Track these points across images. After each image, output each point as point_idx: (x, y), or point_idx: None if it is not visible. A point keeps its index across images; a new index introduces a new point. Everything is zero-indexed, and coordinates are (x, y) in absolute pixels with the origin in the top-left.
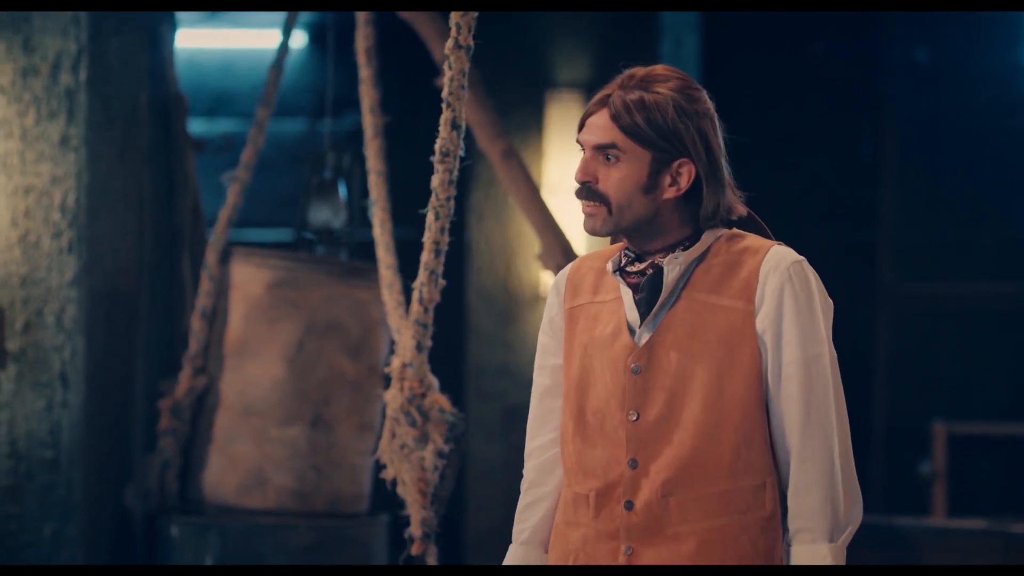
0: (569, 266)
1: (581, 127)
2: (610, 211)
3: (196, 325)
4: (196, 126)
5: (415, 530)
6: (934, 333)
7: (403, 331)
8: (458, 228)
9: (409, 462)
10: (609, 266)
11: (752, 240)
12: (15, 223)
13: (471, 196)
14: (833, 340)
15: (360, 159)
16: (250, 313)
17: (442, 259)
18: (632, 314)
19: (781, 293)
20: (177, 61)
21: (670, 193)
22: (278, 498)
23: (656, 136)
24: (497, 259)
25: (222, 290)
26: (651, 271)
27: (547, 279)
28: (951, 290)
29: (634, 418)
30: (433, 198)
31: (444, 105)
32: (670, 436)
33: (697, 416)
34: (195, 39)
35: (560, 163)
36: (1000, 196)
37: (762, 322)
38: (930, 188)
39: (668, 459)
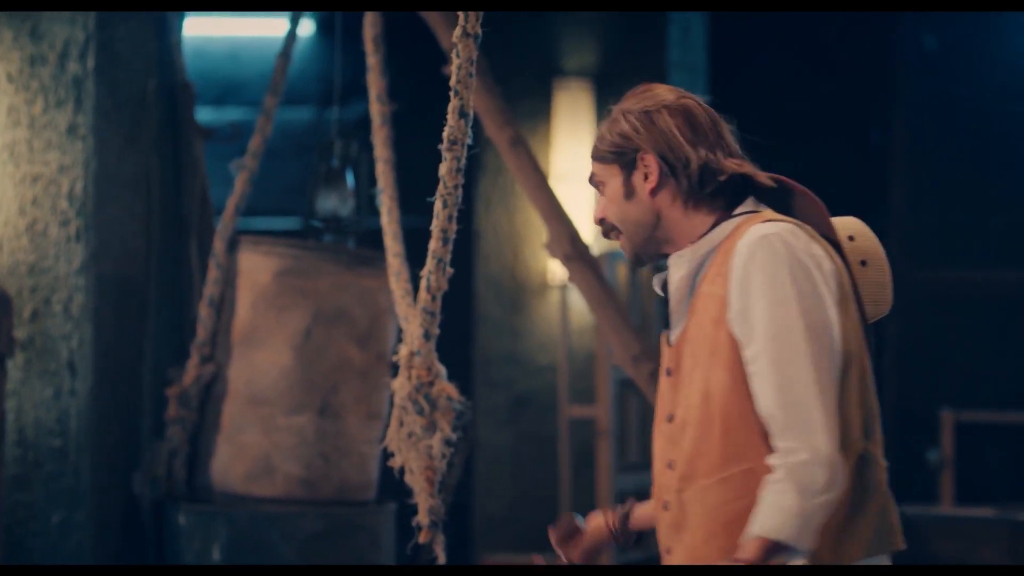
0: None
1: None
2: (621, 233)
3: (204, 313)
4: (204, 114)
5: (423, 518)
6: (943, 320)
7: (411, 319)
8: (466, 216)
9: (417, 450)
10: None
11: (752, 220)
12: (23, 211)
13: (479, 184)
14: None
15: (368, 147)
16: (258, 301)
17: (450, 247)
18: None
19: (746, 270)
20: (185, 49)
21: (649, 186)
22: (286, 486)
23: (613, 149)
24: (505, 247)
25: (230, 278)
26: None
27: (554, 267)
28: (960, 277)
29: (671, 419)
30: (441, 186)
31: (452, 93)
32: (686, 432)
33: (697, 407)
34: (203, 27)
35: (568, 151)
36: (1010, 182)
37: (732, 303)
38: (939, 175)
39: (684, 455)
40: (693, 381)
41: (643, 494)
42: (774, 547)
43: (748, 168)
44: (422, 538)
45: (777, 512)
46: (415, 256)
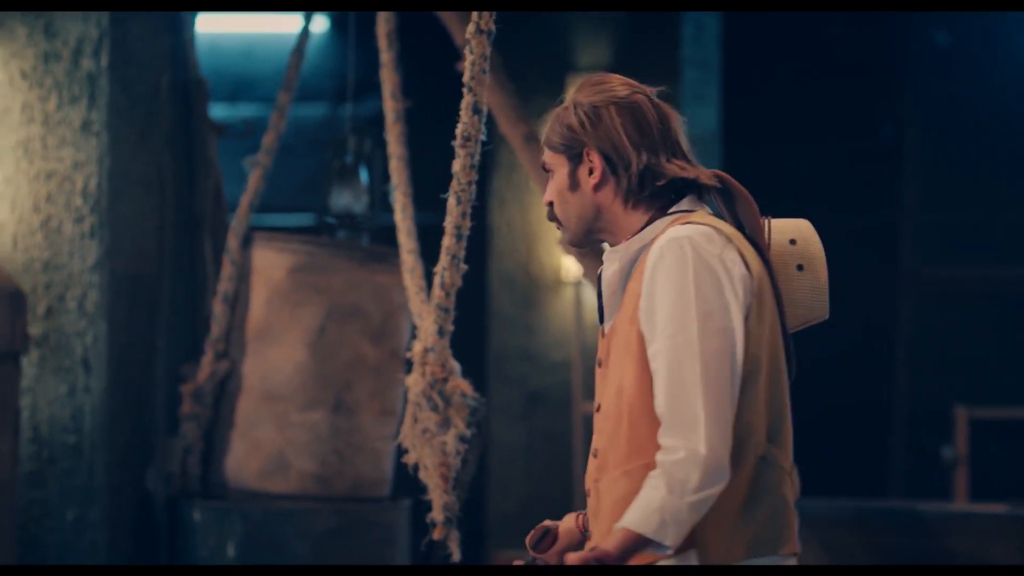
0: None
1: None
2: (559, 221)
3: (218, 310)
4: (217, 111)
5: (437, 514)
6: (955, 316)
7: (425, 316)
8: (480, 213)
9: (431, 447)
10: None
11: (678, 221)
12: (37, 208)
13: (493, 180)
14: (852, 323)
15: (381, 144)
16: (272, 298)
17: (464, 244)
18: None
19: (654, 272)
20: (198, 45)
21: (592, 182)
22: (300, 482)
23: (562, 138)
24: (519, 243)
25: (244, 275)
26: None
27: (568, 264)
28: (972, 273)
29: (597, 409)
30: (454, 183)
31: (465, 89)
32: (606, 423)
33: (613, 401)
34: (216, 23)
35: None
36: (1021, 179)
37: (641, 301)
38: (951, 171)
39: (602, 445)
40: (614, 374)
41: None
42: (636, 540)
43: (690, 171)
44: (436, 534)
45: (643, 507)
46: (429, 252)
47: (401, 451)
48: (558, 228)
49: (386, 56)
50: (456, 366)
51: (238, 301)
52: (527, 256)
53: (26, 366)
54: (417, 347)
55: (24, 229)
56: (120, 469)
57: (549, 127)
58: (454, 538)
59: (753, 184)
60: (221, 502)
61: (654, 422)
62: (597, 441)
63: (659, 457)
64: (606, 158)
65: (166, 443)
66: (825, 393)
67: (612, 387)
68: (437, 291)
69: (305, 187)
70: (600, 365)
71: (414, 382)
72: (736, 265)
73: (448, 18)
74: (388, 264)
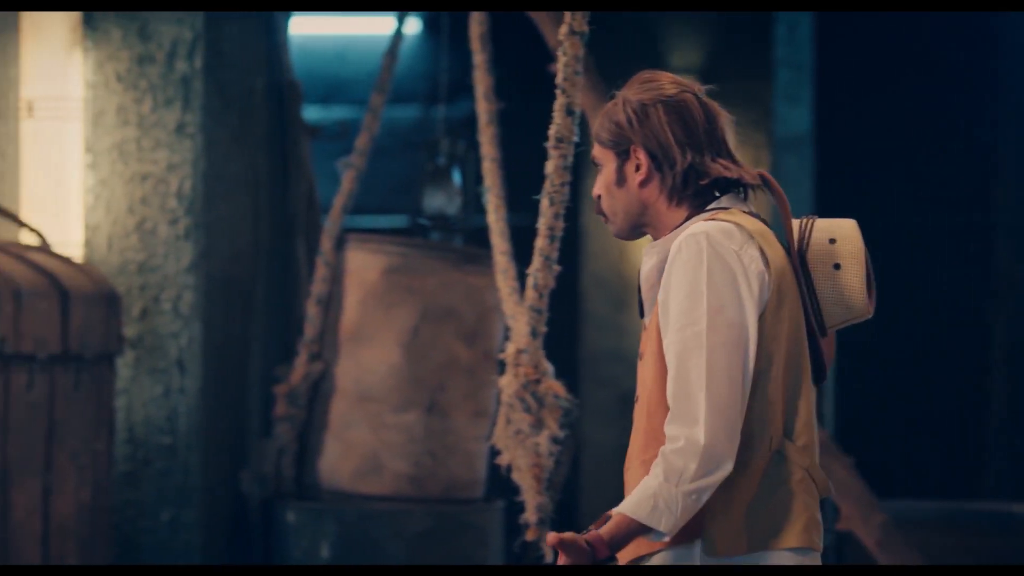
0: None
1: None
2: (606, 215)
3: (312, 311)
4: (310, 113)
5: (530, 516)
6: None
7: (518, 317)
8: (572, 214)
9: (524, 448)
10: None
11: (697, 221)
12: (132, 210)
13: (585, 182)
14: (947, 323)
15: (474, 145)
16: (366, 299)
17: (556, 245)
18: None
19: (671, 266)
20: (291, 48)
21: (639, 178)
22: (394, 484)
23: (610, 134)
24: (611, 245)
25: (337, 276)
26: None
27: None
28: None
29: (636, 400)
30: (547, 184)
31: (559, 91)
32: (637, 414)
33: (642, 392)
34: (309, 26)
35: None
36: None
37: (660, 297)
38: None
39: (632, 435)
40: (646, 366)
41: None
42: (630, 525)
43: (733, 171)
44: (529, 536)
45: (639, 492)
46: (522, 254)
47: (494, 452)
48: (605, 221)
49: (479, 58)
50: (549, 367)
51: (332, 303)
52: (619, 257)
53: (121, 367)
54: (510, 348)
55: (119, 231)
56: (215, 470)
57: (599, 122)
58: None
59: (846, 184)
60: (315, 503)
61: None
62: (632, 431)
63: (662, 447)
64: (652, 156)
65: (260, 444)
66: (920, 394)
67: (643, 379)
68: (530, 292)
69: (398, 189)
70: (640, 358)
71: (507, 383)
72: (754, 262)
73: (541, 19)
74: (481, 265)
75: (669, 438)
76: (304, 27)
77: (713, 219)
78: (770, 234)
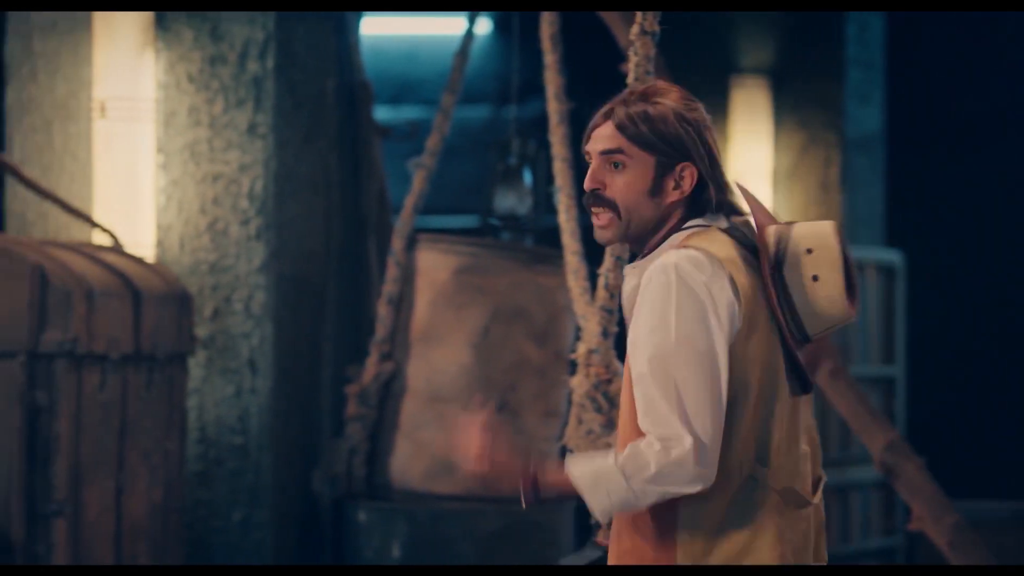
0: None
1: (587, 140)
2: (619, 216)
3: (383, 311)
4: (381, 113)
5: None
6: None
7: (589, 317)
8: None
9: (595, 448)
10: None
11: (672, 244)
12: (204, 210)
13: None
14: (1019, 322)
15: (545, 145)
16: (436, 299)
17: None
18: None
19: (641, 297)
20: (362, 48)
21: (674, 196)
22: (465, 484)
23: (659, 140)
24: None
25: (408, 276)
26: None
27: None
28: None
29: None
30: None
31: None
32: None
33: (624, 425)
34: (380, 26)
35: (745, 148)
36: None
37: (629, 329)
38: None
39: None
40: (624, 389)
41: (843, 489)
42: (568, 487)
43: (732, 191)
44: (600, 538)
45: (593, 465)
46: (593, 254)
47: (565, 452)
48: (596, 217)
49: (550, 57)
50: (620, 368)
51: (402, 303)
52: None
53: (193, 367)
54: (581, 348)
55: (191, 231)
56: (286, 470)
57: (639, 119)
58: None
59: (917, 184)
60: (386, 503)
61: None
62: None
63: (636, 440)
64: (699, 179)
65: (332, 444)
66: (993, 394)
67: (622, 402)
68: (601, 292)
69: (469, 189)
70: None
71: (578, 384)
72: (723, 292)
73: (612, 19)
74: (552, 266)
75: (648, 439)
76: (375, 27)
77: (685, 246)
78: (736, 260)
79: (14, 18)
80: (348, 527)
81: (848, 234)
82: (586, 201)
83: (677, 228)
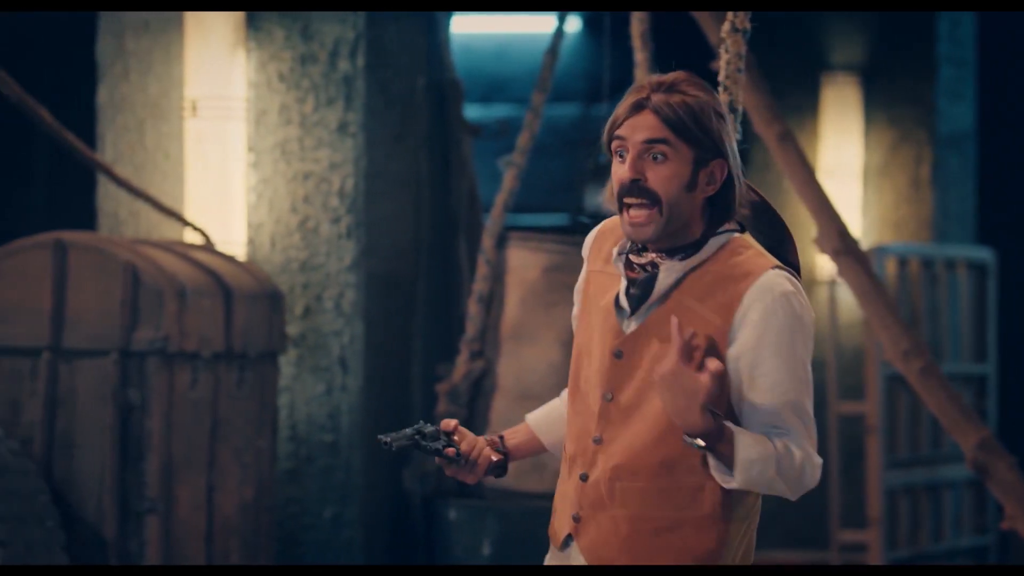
0: (599, 226)
1: (618, 128)
2: (660, 211)
3: (473, 309)
4: (471, 111)
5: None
6: None
7: None
8: None
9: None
10: (615, 249)
11: (751, 257)
12: (295, 209)
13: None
14: None
15: None
16: (527, 297)
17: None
18: (623, 300)
19: (764, 326)
20: (452, 46)
21: (707, 192)
22: (556, 482)
23: (701, 135)
24: None
25: (498, 274)
26: (650, 269)
27: (823, 262)
28: None
29: (608, 398)
30: None
31: (721, 88)
32: (631, 423)
33: (657, 411)
34: (470, 25)
35: (836, 146)
36: None
37: (739, 348)
38: None
39: (624, 445)
40: (646, 377)
41: (935, 487)
42: (726, 447)
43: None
44: None
45: (756, 441)
46: None
47: None
48: (630, 212)
49: (640, 56)
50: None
51: (493, 301)
52: None
53: (284, 365)
54: None
55: (282, 230)
56: (377, 468)
57: (684, 111)
58: None
59: (1008, 181)
60: (477, 501)
61: (692, 471)
62: (601, 428)
63: (794, 440)
64: (728, 176)
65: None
66: None
67: (650, 393)
68: None
69: (559, 187)
70: (620, 357)
71: None
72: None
73: (702, 17)
74: None
75: (810, 450)
76: (465, 26)
77: (777, 267)
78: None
79: (106, 18)
80: (438, 525)
81: (939, 232)
82: (622, 193)
83: (712, 230)
